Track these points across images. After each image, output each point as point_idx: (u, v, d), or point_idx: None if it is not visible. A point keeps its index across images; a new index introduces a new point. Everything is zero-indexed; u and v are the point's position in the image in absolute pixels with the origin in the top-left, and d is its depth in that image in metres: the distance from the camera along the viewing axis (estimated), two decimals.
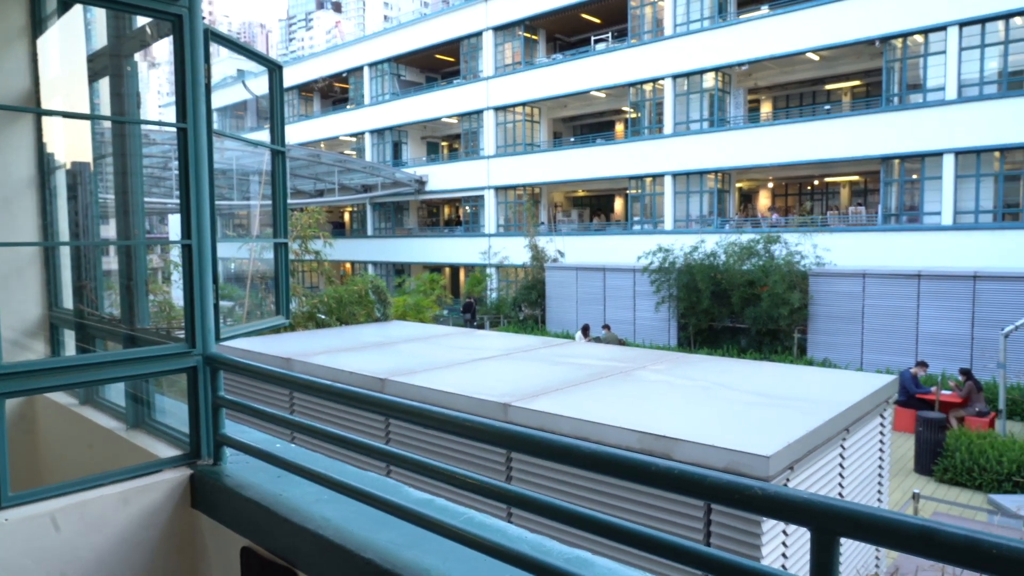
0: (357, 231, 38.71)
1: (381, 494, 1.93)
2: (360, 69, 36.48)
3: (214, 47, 2.73)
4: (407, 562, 1.76)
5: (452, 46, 32.52)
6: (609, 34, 28.52)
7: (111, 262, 3.43)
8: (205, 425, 2.61)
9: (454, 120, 33.21)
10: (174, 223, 39.52)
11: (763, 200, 30.09)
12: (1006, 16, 18.02)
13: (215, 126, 2.69)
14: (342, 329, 9.36)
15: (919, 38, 19.60)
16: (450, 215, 38.97)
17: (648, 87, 25.46)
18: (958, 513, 8.97)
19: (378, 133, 35.91)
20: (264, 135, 3.19)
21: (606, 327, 18.32)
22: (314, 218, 13.99)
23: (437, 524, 1.76)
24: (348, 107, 37.88)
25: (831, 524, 0.94)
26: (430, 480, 3.58)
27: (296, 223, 13.65)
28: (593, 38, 29.40)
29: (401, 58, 34.87)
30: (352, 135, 37.55)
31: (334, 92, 42.27)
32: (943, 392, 12.72)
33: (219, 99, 42.14)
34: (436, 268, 32.36)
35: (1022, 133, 17.78)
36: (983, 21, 18.34)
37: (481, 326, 24.87)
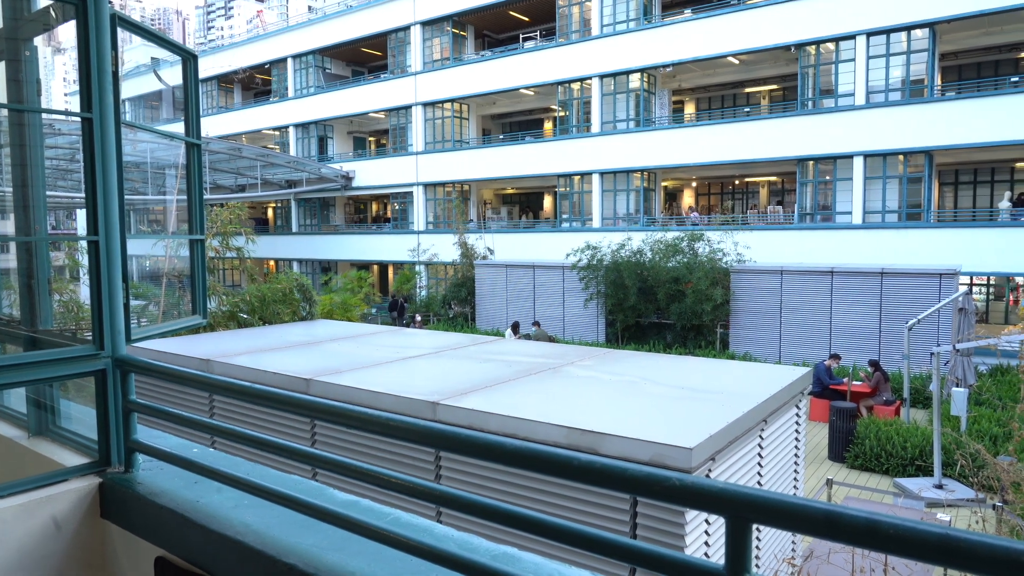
0: (281, 228, 37.72)
1: (304, 497, 1.88)
2: (283, 61, 35.51)
3: (125, 33, 2.60)
4: (331, 565, 1.73)
5: (379, 40, 32.07)
6: (537, 32, 28.74)
7: (10, 259, 3.22)
8: (115, 431, 2.48)
9: (382, 115, 32.78)
10: (83, 218, 37.52)
11: (687, 199, 30.98)
12: (907, 28, 19.13)
13: (127, 116, 2.56)
14: (265, 329, 9.10)
15: (831, 46, 20.57)
16: (378, 212, 38.45)
17: (576, 86, 25.78)
18: (868, 497, 9.46)
19: (303, 127, 35.06)
20: (181, 127, 3.05)
21: (536, 324, 18.47)
22: (235, 214, 13.52)
23: (362, 526, 1.73)
24: (271, 100, 36.82)
25: (743, 512, 0.97)
26: (358, 482, 3.51)
27: (216, 219, 13.17)
28: (522, 36, 29.55)
29: (326, 50, 34.14)
30: (275, 128, 36.54)
31: (256, 84, 40.99)
32: (854, 383, 13.41)
33: (133, 88, 40.20)
34: (364, 266, 31.87)
35: (922, 138, 18.94)
36: (888, 32, 19.41)
37: (410, 324, 24.65)
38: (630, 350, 16.45)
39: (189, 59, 2.95)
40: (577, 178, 25.85)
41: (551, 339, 17.36)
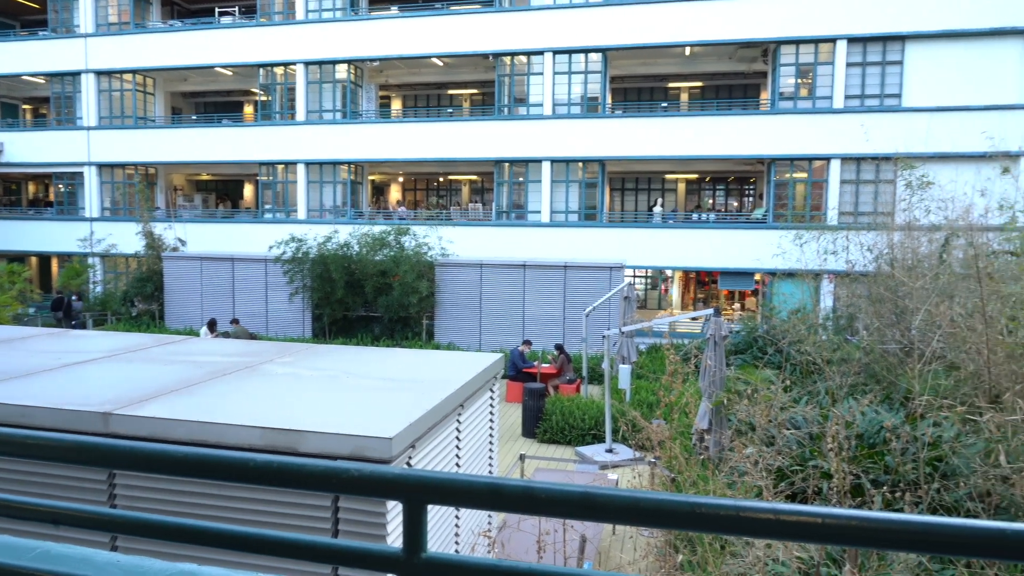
0: None
1: None
2: None
3: None
4: None
5: None
6: (236, 8, 26.73)
7: None
8: None
9: (41, 80, 27.76)
10: None
11: (394, 193, 31.45)
12: (585, 51, 21.69)
13: None
14: None
15: (523, 58, 22.45)
16: (36, 194, 32.61)
17: (279, 71, 24.58)
18: (555, 466, 10.54)
19: None
20: None
21: (234, 321, 17.27)
22: None
23: None
24: None
25: (418, 494, 1.02)
26: (9, 522, 2.89)
27: None
28: (218, 10, 27.22)
29: None
30: None
31: None
32: (543, 365, 14.87)
33: None
34: (18, 258, 26.75)
35: (596, 148, 21.68)
36: (569, 52, 21.79)
37: (83, 325, 21.36)
38: (336, 344, 16.21)
39: None
40: (281, 167, 24.69)
41: (252, 336, 16.39)
